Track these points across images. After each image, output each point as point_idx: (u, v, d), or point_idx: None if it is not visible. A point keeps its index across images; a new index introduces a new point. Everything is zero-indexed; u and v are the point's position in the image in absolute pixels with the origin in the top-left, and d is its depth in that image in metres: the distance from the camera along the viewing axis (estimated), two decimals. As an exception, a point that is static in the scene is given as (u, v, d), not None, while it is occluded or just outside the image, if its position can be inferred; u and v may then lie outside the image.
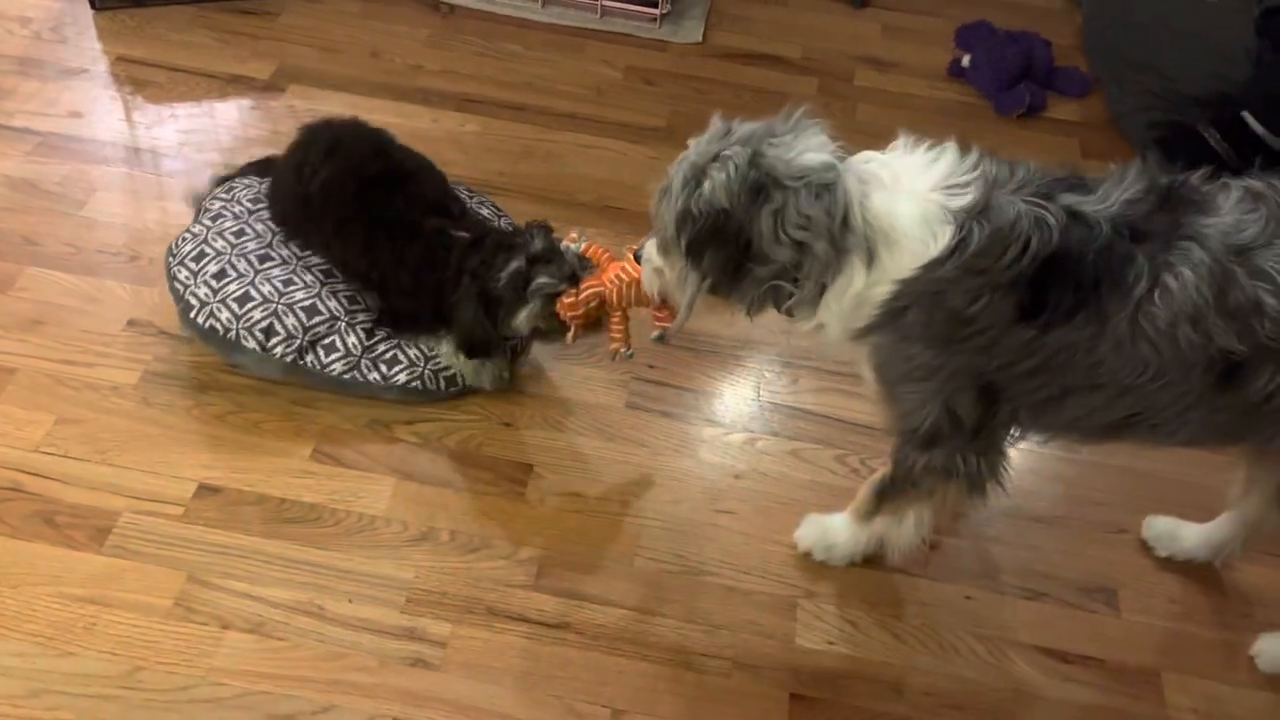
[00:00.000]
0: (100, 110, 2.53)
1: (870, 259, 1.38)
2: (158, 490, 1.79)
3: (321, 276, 2.00)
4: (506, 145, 2.55)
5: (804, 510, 1.83)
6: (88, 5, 2.77)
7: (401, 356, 1.95)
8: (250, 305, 1.92)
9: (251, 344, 1.90)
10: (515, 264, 1.81)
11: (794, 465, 1.94)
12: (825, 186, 1.38)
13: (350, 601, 1.68)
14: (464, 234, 1.90)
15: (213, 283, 1.94)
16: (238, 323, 1.90)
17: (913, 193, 1.37)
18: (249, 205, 2.08)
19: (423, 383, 1.95)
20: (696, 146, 1.45)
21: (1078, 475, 1.97)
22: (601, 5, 2.89)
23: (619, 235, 2.21)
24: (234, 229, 2.03)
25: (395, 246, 1.91)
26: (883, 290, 1.39)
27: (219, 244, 1.99)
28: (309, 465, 1.86)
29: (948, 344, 1.40)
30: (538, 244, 1.81)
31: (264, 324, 1.91)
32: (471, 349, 1.89)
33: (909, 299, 1.39)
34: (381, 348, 1.96)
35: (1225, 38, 2.66)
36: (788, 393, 2.06)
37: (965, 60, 2.82)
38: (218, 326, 1.91)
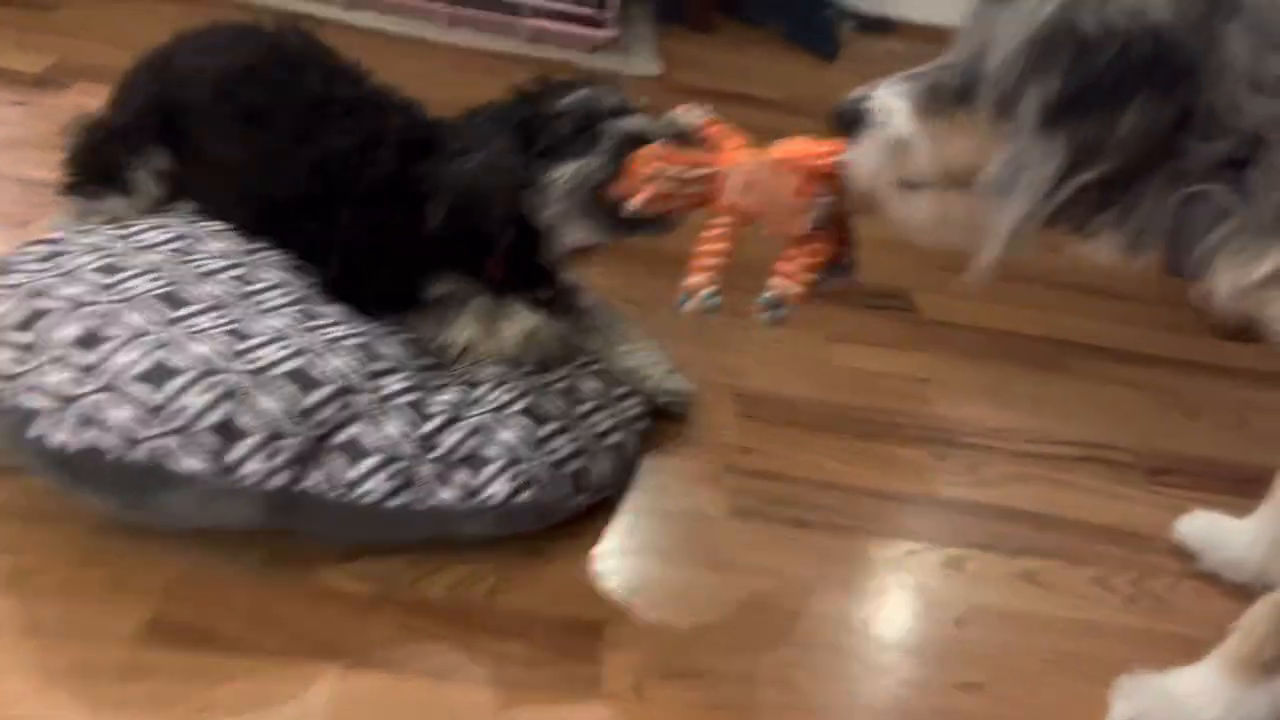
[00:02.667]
0: None
1: None
2: None
3: (298, 303, 1.06)
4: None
5: (1093, 668, 1.02)
6: None
7: (491, 448, 1.01)
8: (177, 381, 0.93)
9: (195, 462, 0.92)
10: (593, 90, 1.04)
11: (1036, 596, 1.13)
12: None
13: None
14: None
15: (77, 355, 0.95)
16: (155, 424, 0.92)
17: None
18: (114, 232, 1.11)
19: (539, 491, 1.02)
20: None
21: None
22: (529, 26, 2.18)
23: (625, 275, 1.41)
24: (97, 264, 1.05)
25: (366, 122, 1.09)
26: None
27: (72, 289, 1.00)
28: (141, 655, 0.88)
29: None
30: (618, 99, 1.05)
31: (215, 416, 0.93)
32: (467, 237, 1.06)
33: None
34: (451, 437, 1.01)
35: None
36: (971, 485, 1.27)
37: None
38: (102, 444, 0.91)
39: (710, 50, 2.45)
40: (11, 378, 0.95)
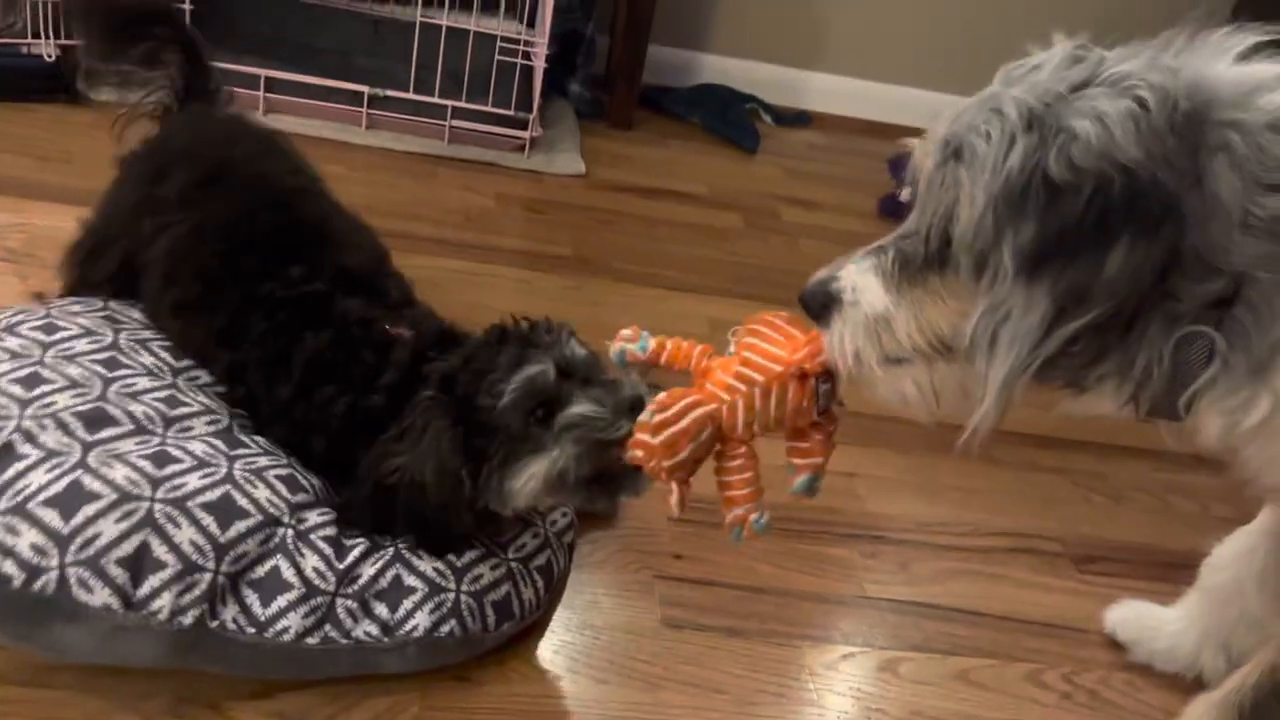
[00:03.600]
0: None
1: None
2: None
3: (224, 431, 1.03)
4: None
5: (1034, 774, 1.02)
6: None
7: (411, 578, 0.97)
8: (88, 510, 0.89)
9: (99, 596, 0.87)
10: (532, 368, 0.95)
11: (972, 698, 1.12)
12: None
13: None
14: (404, 332, 1.04)
15: None
16: (61, 554, 0.87)
17: None
18: (38, 337, 1.06)
19: (460, 622, 0.98)
20: (1026, 77, 0.75)
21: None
22: (450, 128, 2.19)
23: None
24: (19, 373, 1.00)
25: (278, 338, 1.03)
26: None
27: None
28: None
29: None
30: (571, 349, 0.98)
31: (128, 547, 0.88)
32: (423, 527, 0.98)
33: None
34: (371, 569, 0.97)
35: None
36: (903, 582, 1.27)
37: (904, 194, 2.35)
38: (11, 572, 0.86)
39: (632, 146, 2.49)
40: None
